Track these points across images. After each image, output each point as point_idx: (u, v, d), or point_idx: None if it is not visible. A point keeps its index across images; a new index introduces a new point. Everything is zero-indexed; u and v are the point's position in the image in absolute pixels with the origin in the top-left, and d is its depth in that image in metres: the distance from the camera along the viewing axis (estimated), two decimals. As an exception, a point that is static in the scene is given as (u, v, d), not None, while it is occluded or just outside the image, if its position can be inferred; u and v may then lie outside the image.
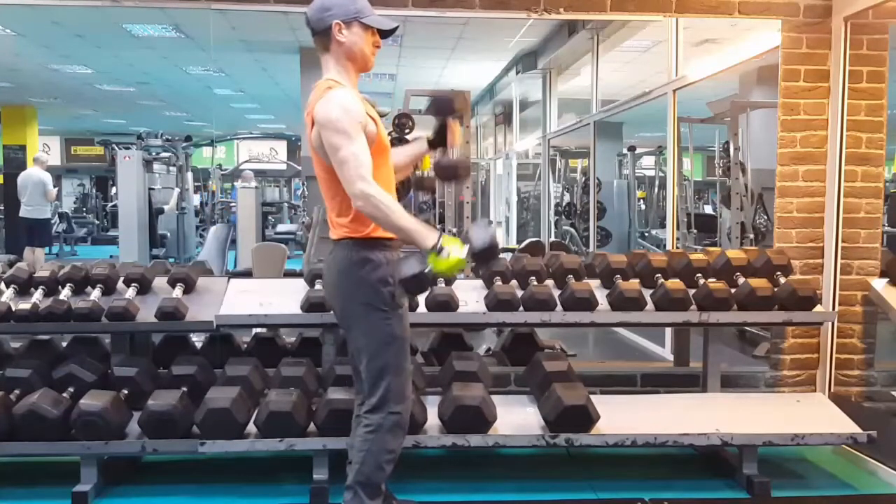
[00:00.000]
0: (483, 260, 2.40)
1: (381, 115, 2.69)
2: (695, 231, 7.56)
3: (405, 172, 2.95)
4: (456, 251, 2.33)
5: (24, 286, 3.50)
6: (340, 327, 2.74)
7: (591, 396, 3.15)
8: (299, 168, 11.71)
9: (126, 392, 3.18)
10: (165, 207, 10.41)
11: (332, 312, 3.27)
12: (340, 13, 2.44)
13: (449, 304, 3.36)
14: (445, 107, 2.77)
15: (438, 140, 2.76)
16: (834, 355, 3.80)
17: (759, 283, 3.45)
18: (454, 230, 6.29)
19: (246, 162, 16.71)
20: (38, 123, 15.57)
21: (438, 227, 6.68)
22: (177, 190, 10.69)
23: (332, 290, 2.61)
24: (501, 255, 2.34)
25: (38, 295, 3.45)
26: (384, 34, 2.54)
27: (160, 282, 3.62)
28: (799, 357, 3.88)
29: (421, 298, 3.36)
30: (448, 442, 3.08)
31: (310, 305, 3.31)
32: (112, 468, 3.20)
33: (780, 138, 3.81)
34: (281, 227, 14.09)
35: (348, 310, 2.52)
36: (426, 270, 2.34)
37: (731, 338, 5.40)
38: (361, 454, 2.51)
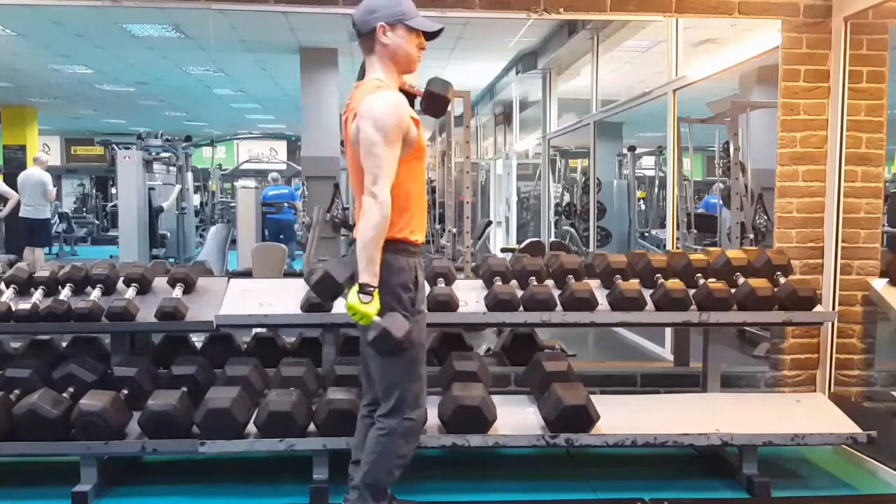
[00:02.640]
0: (377, 344, 2.36)
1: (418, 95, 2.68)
2: (695, 231, 7.55)
3: None
4: (369, 309, 2.33)
5: (24, 286, 3.50)
6: (357, 329, 2.73)
7: (591, 396, 3.15)
8: (299, 168, 11.70)
9: (126, 392, 3.18)
10: (165, 205, 10.40)
11: (332, 312, 3.30)
12: (385, 16, 2.46)
13: (449, 304, 3.36)
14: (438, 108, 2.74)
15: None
16: (834, 355, 3.80)
17: (759, 283, 3.45)
18: (454, 230, 6.29)
19: (246, 162, 16.72)
20: (38, 123, 15.58)
21: (437, 226, 6.68)
22: (177, 187, 10.68)
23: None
24: (401, 347, 2.36)
25: (38, 295, 3.45)
26: (429, 36, 2.55)
27: (160, 282, 3.62)
28: (799, 357, 3.88)
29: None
30: (448, 442, 3.08)
31: (310, 305, 3.31)
32: (112, 468, 3.20)
33: (780, 138, 3.81)
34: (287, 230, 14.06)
35: None
36: (343, 290, 2.42)
37: (731, 338, 5.40)
38: (373, 456, 2.52)
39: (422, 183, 2.60)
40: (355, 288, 2.36)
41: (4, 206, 8.49)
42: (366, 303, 2.34)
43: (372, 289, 2.35)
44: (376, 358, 2.50)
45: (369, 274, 2.35)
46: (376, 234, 2.35)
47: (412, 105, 2.58)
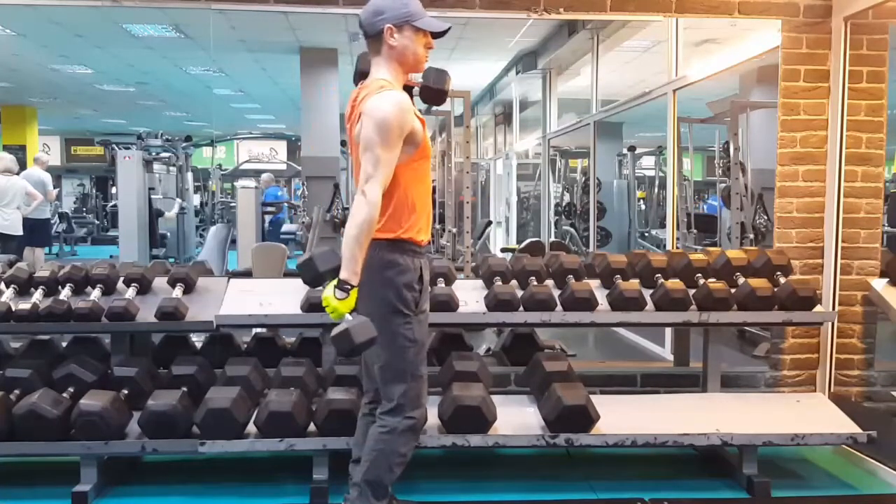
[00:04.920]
0: (336, 341, 2.33)
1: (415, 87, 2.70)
2: (695, 231, 7.55)
3: None
4: (340, 306, 2.32)
5: (24, 286, 3.50)
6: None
7: (591, 396, 3.15)
8: (299, 168, 11.70)
9: (126, 392, 3.18)
10: (167, 214, 10.46)
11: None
12: (392, 17, 2.45)
13: (449, 304, 3.36)
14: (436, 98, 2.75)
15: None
16: (834, 355, 3.80)
17: (759, 283, 3.45)
18: (454, 230, 6.29)
19: (246, 162, 16.72)
20: (38, 123, 15.60)
21: (437, 226, 6.68)
22: (178, 201, 10.74)
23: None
24: (364, 348, 2.35)
25: (38, 295, 3.45)
26: (436, 35, 2.55)
27: (160, 282, 3.62)
28: (799, 357, 3.88)
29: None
30: (448, 442, 3.08)
31: (310, 305, 3.30)
32: (112, 468, 3.20)
33: (780, 138, 3.81)
34: (281, 227, 14.08)
35: (370, 311, 2.47)
36: (323, 279, 2.40)
37: (731, 338, 5.40)
38: (374, 454, 2.52)
39: (427, 184, 2.61)
40: (334, 282, 2.35)
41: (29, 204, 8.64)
42: (340, 299, 2.32)
43: (349, 287, 2.33)
44: (378, 356, 2.50)
45: (349, 271, 2.34)
46: (360, 232, 2.33)
47: (410, 96, 2.58)
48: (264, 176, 11.47)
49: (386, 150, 2.37)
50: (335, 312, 2.34)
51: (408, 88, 2.61)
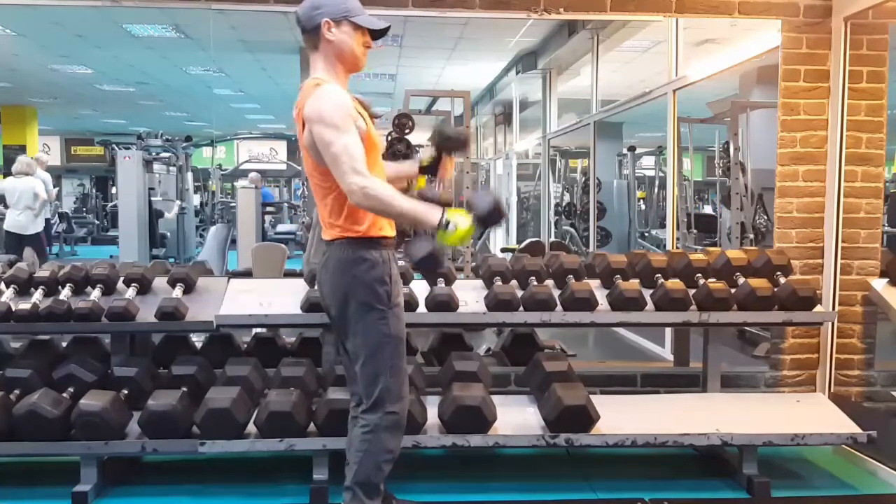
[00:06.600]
0: (489, 223, 2.41)
1: (377, 117, 2.70)
2: (695, 231, 7.56)
3: (396, 186, 2.94)
4: (462, 222, 2.36)
5: (24, 286, 3.50)
6: (334, 329, 2.72)
7: (591, 396, 3.15)
8: (299, 168, 11.71)
9: (126, 392, 3.18)
10: (167, 215, 10.47)
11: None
12: (330, 12, 2.44)
13: (449, 304, 3.36)
14: (453, 146, 2.78)
15: (431, 170, 2.79)
16: (834, 355, 3.80)
17: (759, 283, 3.45)
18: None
19: (246, 162, 16.72)
20: (38, 123, 15.59)
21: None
22: (177, 204, 10.73)
23: (327, 290, 2.57)
24: (505, 216, 2.38)
25: (38, 295, 3.45)
26: (375, 34, 2.53)
27: (160, 282, 3.62)
28: (799, 357, 3.88)
29: (421, 298, 3.36)
30: (448, 442, 3.08)
31: (310, 305, 3.30)
32: (112, 468, 3.20)
33: (780, 138, 3.81)
34: (281, 227, 14.09)
35: (344, 310, 2.50)
36: (437, 248, 2.39)
37: (731, 338, 5.40)
38: (360, 454, 2.51)
39: (380, 175, 2.54)
40: (441, 232, 2.36)
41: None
42: (460, 223, 2.35)
43: (445, 216, 2.35)
44: (356, 355, 2.50)
45: (429, 216, 2.37)
46: (391, 201, 2.34)
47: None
48: (252, 175, 11.41)
49: (343, 136, 2.34)
50: (469, 231, 2.36)
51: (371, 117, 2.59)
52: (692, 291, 3.47)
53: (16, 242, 8.26)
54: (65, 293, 3.47)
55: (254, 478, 3.32)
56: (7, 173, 13.67)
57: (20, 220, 8.34)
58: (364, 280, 2.45)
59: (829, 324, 3.73)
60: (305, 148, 2.47)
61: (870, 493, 3.26)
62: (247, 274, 5.52)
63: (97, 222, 17.72)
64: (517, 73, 9.91)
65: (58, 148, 20.21)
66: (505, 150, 12.84)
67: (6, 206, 8.57)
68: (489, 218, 2.39)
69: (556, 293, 3.46)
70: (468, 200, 2.39)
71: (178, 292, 3.49)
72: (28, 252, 8.73)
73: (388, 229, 2.54)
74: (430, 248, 2.39)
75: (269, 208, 10.39)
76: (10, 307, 3.29)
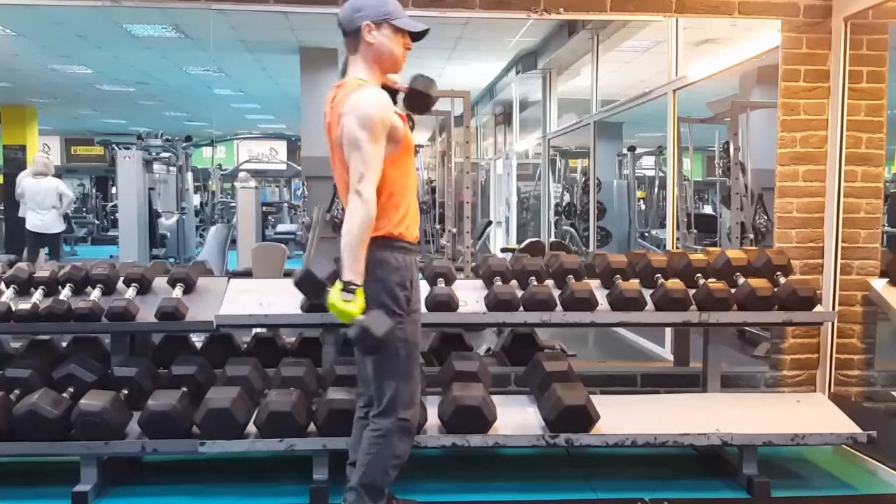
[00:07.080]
0: (358, 342, 2.35)
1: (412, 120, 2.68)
2: (695, 231, 7.55)
3: None
4: (350, 308, 2.31)
5: (24, 286, 3.50)
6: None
7: (591, 396, 3.15)
8: (299, 168, 11.71)
9: (126, 392, 3.18)
10: (167, 222, 10.50)
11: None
12: (371, 14, 2.46)
13: (449, 304, 3.36)
14: (417, 105, 2.69)
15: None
16: (834, 355, 3.80)
17: (759, 283, 3.45)
18: (454, 230, 6.29)
19: (246, 162, 16.72)
20: (38, 123, 15.56)
21: (438, 226, 6.69)
22: (176, 215, 10.79)
23: None
24: (382, 342, 2.35)
25: (38, 295, 3.45)
26: (415, 37, 2.54)
27: (160, 282, 3.62)
28: (799, 357, 3.88)
29: (421, 298, 3.35)
30: (448, 442, 3.08)
31: (310, 305, 3.30)
32: (112, 468, 3.20)
33: (780, 138, 3.81)
34: (281, 227, 14.10)
35: (363, 311, 2.50)
36: (325, 287, 2.37)
37: (731, 338, 5.40)
38: (368, 457, 2.51)
39: (413, 179, 2.59)
40: (338, 286, 2.34)
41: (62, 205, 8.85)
42: (348, 301, 2.32)
43: (355, 287, 2.33)
44: (373, 357, 2.50)
45: (353, 272, 2.34)
46: (361, 232, 2.34)
47: (394, 101, 2.56)
48: (241, 175, 11.40)
49: (373, 146, 2.36)
50: (345, 316, 2.33)
51: (392, 92, 2.59)
52: (692, 291, 3.47)
53: (39, 242, 8.33)
54: (65, 293, 3.47)
55: (254, 478, 3.32)
56: (8, 173, 13.69)
57: (46, 220, 8.41)
58: (386, 283, 2.45)
59: (829, 324, 3.73)
60: (337, 144, 2.46)
61: (870, 493, 3.26)
62: (247, 274, 5.53)
63: (97, 222, 17.72)
64: (517, 73, 9.91)
65: (58, 148, 20.18)
66: (505, 150, 12.83)
67: (22, 207, 8.67)
68: (360, 337, 2.31)
69: (556, 293, 3.46)
70: (370, 312, 2.35)
71: (178, 292, 3.49)
72: (41, 253, 8.79)
73: (414, 229, 2.55)
74: (322, 275, 2.38)
75: (265, 208, 10.38)
76: (10, 307, 3.29)
